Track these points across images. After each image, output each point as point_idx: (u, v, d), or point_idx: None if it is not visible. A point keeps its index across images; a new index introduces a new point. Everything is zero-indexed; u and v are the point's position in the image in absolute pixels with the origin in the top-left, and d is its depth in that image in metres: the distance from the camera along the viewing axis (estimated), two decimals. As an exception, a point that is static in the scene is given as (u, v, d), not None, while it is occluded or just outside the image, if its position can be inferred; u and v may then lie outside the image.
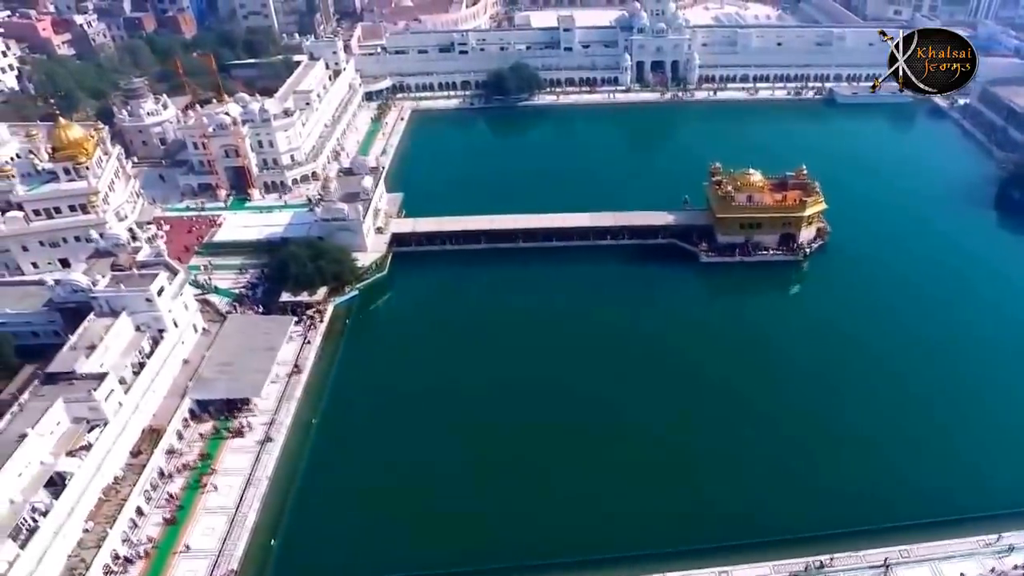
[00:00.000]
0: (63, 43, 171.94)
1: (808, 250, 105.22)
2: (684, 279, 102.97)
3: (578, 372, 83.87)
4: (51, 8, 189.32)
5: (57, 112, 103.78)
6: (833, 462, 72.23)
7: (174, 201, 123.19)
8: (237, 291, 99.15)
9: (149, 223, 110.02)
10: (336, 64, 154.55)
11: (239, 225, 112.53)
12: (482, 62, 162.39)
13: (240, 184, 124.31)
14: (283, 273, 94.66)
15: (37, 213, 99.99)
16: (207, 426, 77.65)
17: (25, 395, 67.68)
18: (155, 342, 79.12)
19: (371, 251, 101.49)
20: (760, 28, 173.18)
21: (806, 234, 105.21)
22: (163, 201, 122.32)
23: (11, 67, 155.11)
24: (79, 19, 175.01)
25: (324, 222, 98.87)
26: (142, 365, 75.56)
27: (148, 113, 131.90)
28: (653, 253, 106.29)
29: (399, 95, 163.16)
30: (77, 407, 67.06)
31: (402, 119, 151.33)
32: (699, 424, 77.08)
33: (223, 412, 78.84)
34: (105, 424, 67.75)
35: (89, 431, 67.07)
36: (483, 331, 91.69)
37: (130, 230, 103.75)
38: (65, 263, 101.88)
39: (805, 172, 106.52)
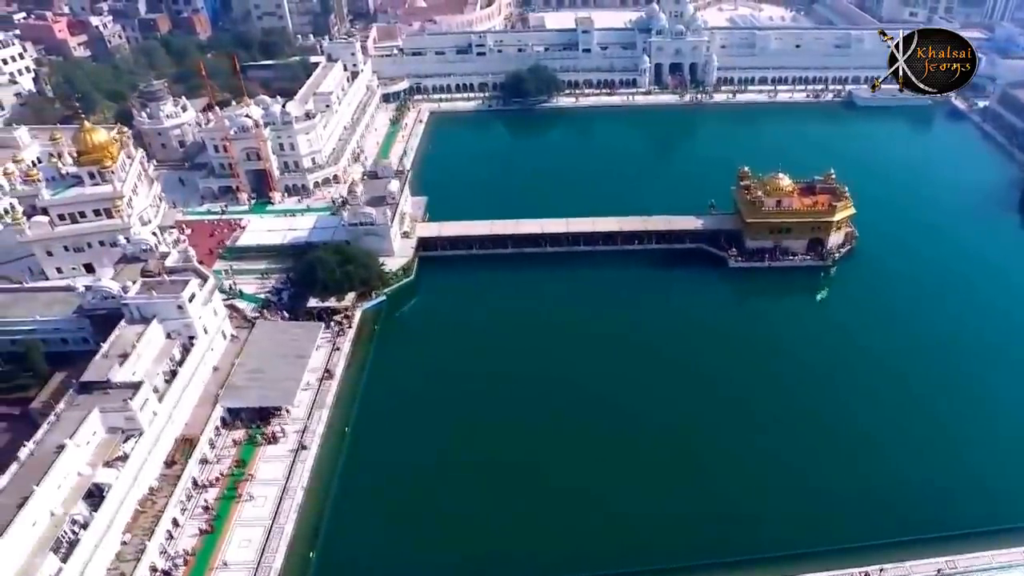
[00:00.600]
0: (79, 45, 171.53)
1: (836, 255, 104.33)
2: (712, 284, 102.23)
3: (607, 378, 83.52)
4: (66, 9, 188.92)
5: (81, 115, 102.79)
6: (870, 472, 71.62)
7: (194, 204, 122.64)
8: (262, 296, 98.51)
9: (171, 227, 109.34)
10: (354, 65, 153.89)
11: (262, 229, 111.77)
12: (500, 64, 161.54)
13: (261, 187, 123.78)
14: (310, 278, 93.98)
15: (62, 218, 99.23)
16: (239, 434, 77.03)
17: (60, 405, 66.96)
18: (185, 349, 78.51)
19: (398, 256, 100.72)
20: (778, 30, 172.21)
21: (834, 239, 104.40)
22: (183, 204, 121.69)
23: (28, 69, 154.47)
24: (95, 20, 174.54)
25: (351, 226, 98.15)
26: (174, 373, 74.94)
27: (167, 115, 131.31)
28: (681, 258, 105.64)
29: (416, 97, 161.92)
30: (113, 417, 66.48)
31: (420, 121, 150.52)
32: (731, 433, 76.46)
33: (255, 420, 78.22)
34: (140, 434, 67.12)
35: (124, 441, 66.45)
36: (511, 336, 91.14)
37: (153, 234, 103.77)
38: (89, 268, 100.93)
39: (833, 176, 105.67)
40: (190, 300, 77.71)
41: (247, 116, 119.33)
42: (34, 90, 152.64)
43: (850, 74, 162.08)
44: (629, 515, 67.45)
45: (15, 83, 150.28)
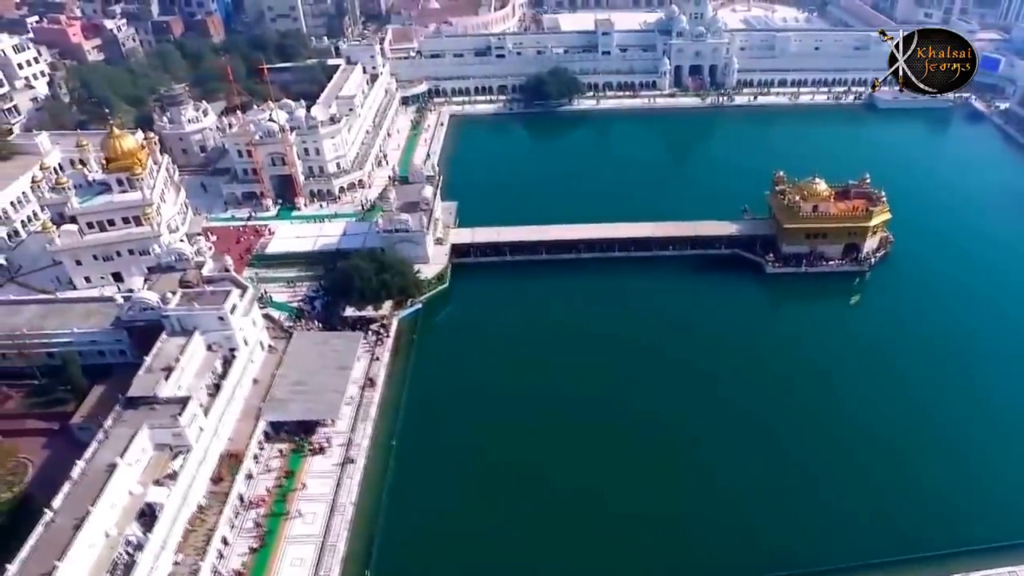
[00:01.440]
0: (93, 48, 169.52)
1: (872, 260, 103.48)
2: (750, 291, 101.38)
3: (651, 388, 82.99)
4: (78, 13, 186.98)
5: (109, 120, 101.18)
6: (922, 484, 70.90)
7: (217, 210, 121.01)
8: (294, 305, 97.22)
9: (198, 234, 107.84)
10: (373, 68, 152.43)
11: (290, 236, 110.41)
12: (519, 66, 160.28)
13: (285, 193, 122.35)
14: (346, 287, 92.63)
15: (91, 226, 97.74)
16: (282, 448, 75.74)
17: (108, 421, 65.65)
18: (226, 361, 77.24)
19: (433, 263, 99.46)
20: (798, 32, 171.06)
21: (870, 244, 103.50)
22: (206, 210, 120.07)
23: (43, 73, 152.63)
24: (109, 24, 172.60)
25: (386, 233, 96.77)
26: (217, 387, 73.71)
27: (189, 120, 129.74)
28: (716, 263, 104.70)
29: (436, 99, 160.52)
30: (161, 433, 65.23)
31: (442, 124, 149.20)
32: (774, 443, 75.83)
33: (297, 432, 76.99)
34: (188, 451, 65.82)
35: (173, 458, 65.18)
36: (549, 344, 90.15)
37: (182, 241, 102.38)
38: (118, 277, 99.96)
39: (868, 180, 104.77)
40: (231, 311, 76.45)
41: (272, 120, 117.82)
42: (48, 95, 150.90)
43: (869, 76, 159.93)
44: (691, 533, 67.01)
45: (31, 87, 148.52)
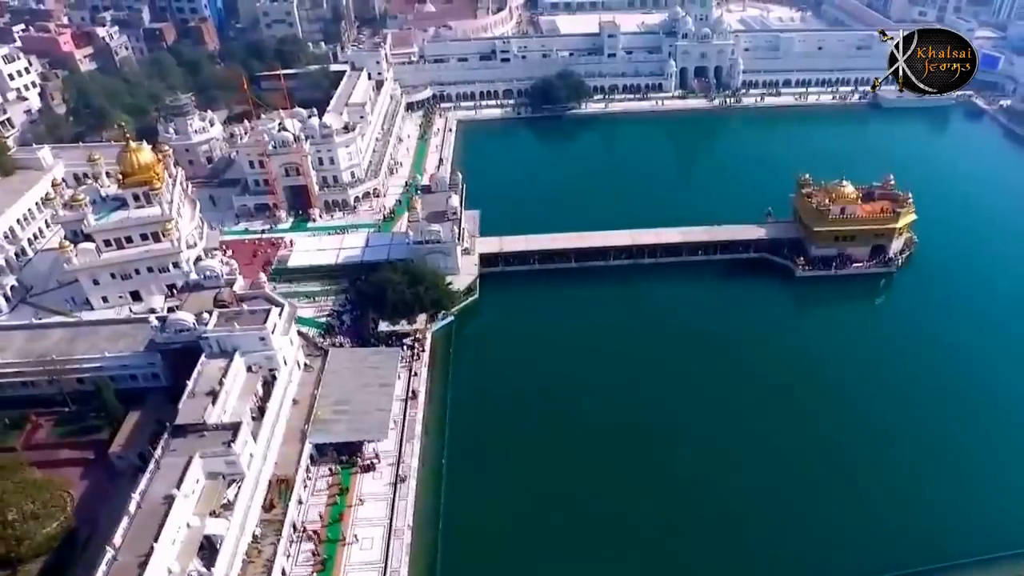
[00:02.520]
0: (85, 57, 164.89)
1: (899, 261, 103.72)
2: (782, 295, 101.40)
3: (689, 392, 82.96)
4: (66, 21, 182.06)
5: (127, 134, 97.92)
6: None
7: (228, 223, 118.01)
8: (322, 320, 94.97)
9: (215, 249, 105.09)
10: (379, 74, 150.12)
11: (310, 248, 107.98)
12: (525, 70, 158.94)
13: (299, 204, 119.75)
14: (379, 300, 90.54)
15: (108, 244, 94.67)
16: (331, 469, 73.74)
17: (158, 451, 63.15)
18: (266, 383, 74.90)
19: (463, 273, 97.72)
20: (802, 32, 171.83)
21: (895, 245, 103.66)
22: (217, 224, 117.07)
23: (34, 84, 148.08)
24: (101, 32, 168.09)
25: (416, 244, 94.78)
26: (261, 410, 71.31)
27: (196, 131, 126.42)
28: (744, 268, 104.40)
29: (443, 105, 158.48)
30: (213, 462, 62.77)
31: (450, 130, 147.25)
32: (822, 449, 75.87)
33: (343, 453, 74.96)
34: (242, 478, 63.55)
35: (227, 487, 62.90)
36: (585, 352, 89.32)
37: (200, 256, 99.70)
38: (136, 296, 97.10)
39: (892, 182, 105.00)
40: (272, 330, 74.19)
41: (285, 129, 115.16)
42: (41, 107, 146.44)
43: (872, 75, 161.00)
44: (752, 540, 66.57)
45: (23, 99, 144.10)
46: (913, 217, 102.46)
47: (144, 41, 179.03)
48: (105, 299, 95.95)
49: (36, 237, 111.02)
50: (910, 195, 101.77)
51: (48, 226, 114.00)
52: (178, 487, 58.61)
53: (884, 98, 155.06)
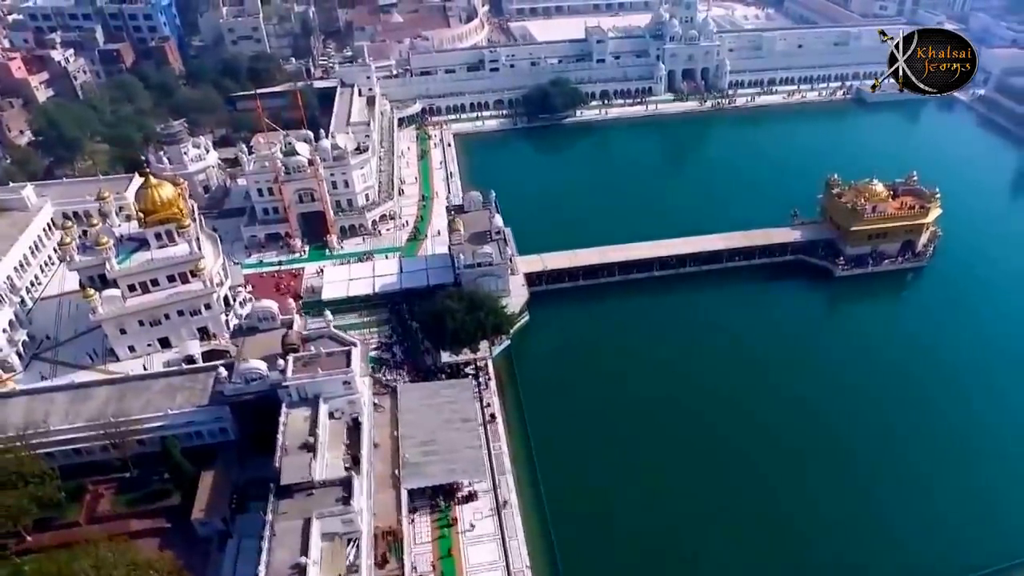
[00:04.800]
0: (41, 84, 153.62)
1: (928, 254, 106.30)
2: (826, 295, 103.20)
3: (754, 397, 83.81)
4: (7, 44, 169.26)
5: (147, 169, 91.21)
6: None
7: (239, 256, 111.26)
8: (373, 354, 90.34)
9: (240, 286, 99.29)
10: (370, 90, 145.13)
11: (341, 278, 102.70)
12: (514, 79, 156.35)
13: (312, 232, 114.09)
14: (437, 330, 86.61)
15: (132, 288, 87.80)
16: (425, 514, 70.09)
17: (268, 515, 58.29)
18: (349, 429, 70.49)
19: (513, 294, 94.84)
20: (783, 31, 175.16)
21: (923, 239, 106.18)
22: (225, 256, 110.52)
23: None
24: (56, 55, 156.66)
25: (467, 268, 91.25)
26: (355, 459, 66.90)
27: (192, 159, 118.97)
28: (783, 271, 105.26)
29: (434, 118, 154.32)
30: (330, 522, 58.42)
31: (448, 144, 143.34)
32: (890, 450, 77.42)
33: (438, 495, 71.34)
34: (359, 536, 59.36)
35: (347, 547, 58.64)
36: (646, 365, 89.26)
37: (226, 298, 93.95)
38: (165, 343, 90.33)
39: (916, 178, 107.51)
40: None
41: (293, 152, 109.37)
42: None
43: (850, 71, 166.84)
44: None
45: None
46: (939, 211, 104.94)
47: (101, 64, 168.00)
48: (132, 348, 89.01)
49: (33, 285, 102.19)
50: (937, 190, 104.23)
51: (43, 271, 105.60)
52: (305, 554, 54.28)
53: (867, 93, 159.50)
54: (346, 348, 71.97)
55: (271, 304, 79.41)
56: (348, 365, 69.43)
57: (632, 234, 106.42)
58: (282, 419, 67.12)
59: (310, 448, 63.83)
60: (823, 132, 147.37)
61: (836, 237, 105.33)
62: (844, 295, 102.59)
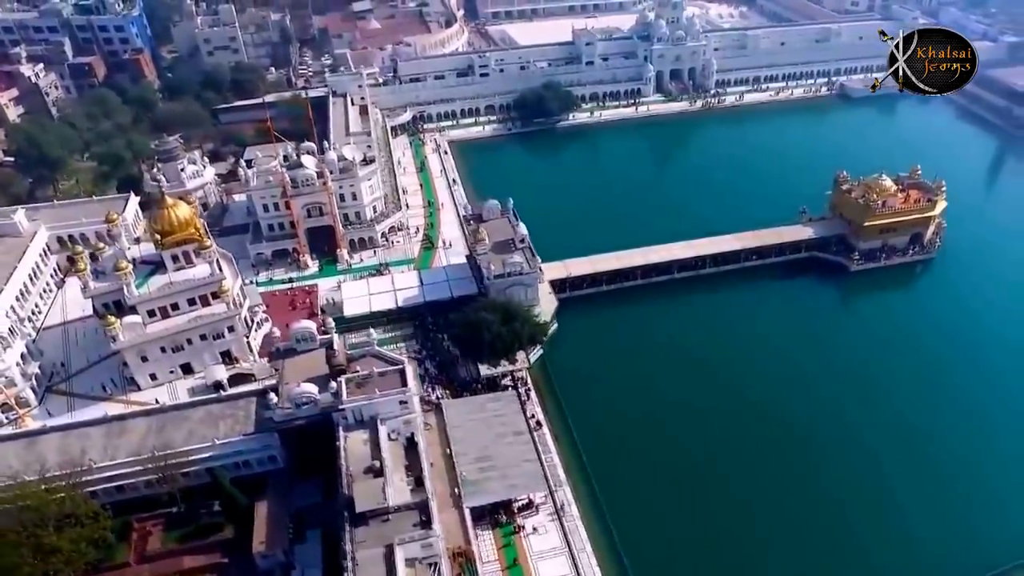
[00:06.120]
0: (11, 101, 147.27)
1: (935, 246, 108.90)
2: (844, 290, 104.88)
3: (789, 394, 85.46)
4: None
5: (164, 194, 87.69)
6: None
7: (248, 274, 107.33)
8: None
9: (258, 305, 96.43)
10: (362, 99, 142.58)
11: (360, 293, 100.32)
12: (504, 84, 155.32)
13: (319, 246, 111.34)
14: (473, 343, 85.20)
15: (151, 314, 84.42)
16: (486, 529, 69.01)
17: (347, 545, 56.38)
18: (405, 449, 68.80)
19: (542, 302, 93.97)
20: (765, 29, 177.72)
21: (929, 232, 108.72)
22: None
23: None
24: (25, 70, 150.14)
25: (498, 279, 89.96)
26: (418, 480, 65.26)
27: (189, 176, 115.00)
28: (797, 268, 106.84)
29: (427, 125, 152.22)
30: (411, 548, 56.83)
31: (446, 152, 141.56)
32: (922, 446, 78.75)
33: (498, 510, 70.15)
34: (439, 560, 57.89)
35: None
36: (680, 365, 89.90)
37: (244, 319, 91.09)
38: (187, 369, 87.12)
39: (919, 172, 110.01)
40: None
41: (299, 166, 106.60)
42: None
43: (831, 67, 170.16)
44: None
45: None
46: (945, 204, 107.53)
47: (71, 78, 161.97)
48: (154, 376, 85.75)
49: (34, 314, 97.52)
50: (943, 183, 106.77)
51: (43, 299, 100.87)
52: (395, 586, 52.67)
53: (850, 88, 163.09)
54: (397, 366, 70.20)
55: (310, 324, 77.12)
56: (404, 384, 67.78)
57: (643, 237, 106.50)
58: (341, 444, 65.20)
59: (376, 472, 62.06)
60: (814, 128, 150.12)
61: (847, 232, 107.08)
62: (862, 289, 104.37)
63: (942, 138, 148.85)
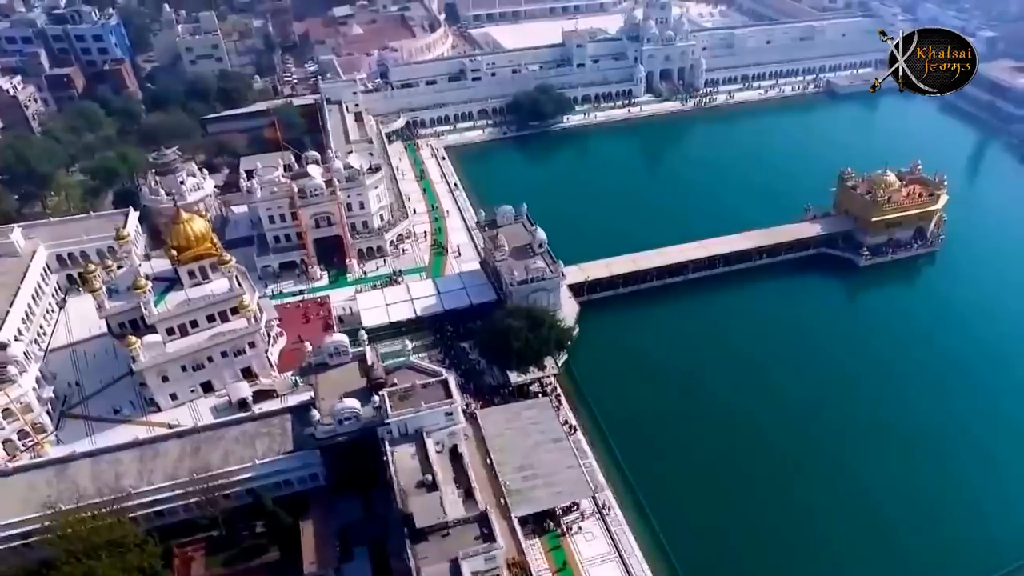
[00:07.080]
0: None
1: (939, 239, 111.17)
2: (856, 285, 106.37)
3: (810, 391, 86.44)
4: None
5: (179, 209, 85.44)
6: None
7: (255, 287, 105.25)
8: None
9: (273, 320, 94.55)
10: (356, 106, 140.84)
11: (376, 304, 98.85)
12: (497, 88, 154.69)
13: (327, 257, 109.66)
14: (501, 350, 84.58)
15: (170, 332, 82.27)
16: (532, 537, 68.60)
17: (411, 562, 55.49)
18: (451, 461, 67.99)
19: (564, 307, 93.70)
20: (751, 28, 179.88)
21: (932, 225, 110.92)
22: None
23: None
24: (3, 83, 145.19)
25: (521, 284, 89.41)
26: (468, 492, 64.54)
27: (190, 189, 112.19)
28: (807, 265, 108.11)
29: (421, 131, 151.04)
30: (474, 561, 56.17)
31: (443, 158, 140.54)
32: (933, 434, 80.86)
33: (544, 518, 69.83)
34: (500, 572, 57.32)
35: (494, 586, 56.52)
36: (703, 365, 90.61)
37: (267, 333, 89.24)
38: (208, 387, 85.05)
39: (920, 167, 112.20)
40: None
41: (304, 175, 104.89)
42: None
43: (816, 64, 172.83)
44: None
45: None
46: (947, 198, 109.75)
47: (49, 90, 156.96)
48: (174, 396, 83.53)
49: (40, 336, 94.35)
50: (944, 177, 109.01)
51: (47, 320, 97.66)
52: (466, 602, 51.95)
53: (837, 85, 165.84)
54: (439, 378, 69.43)
55: (343, 338, 75.74)
56: (449, 395, 67.02)
57: (651, 238, 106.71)
58: (389, 459, 64.11)
59: (430, 487, 61.20)
60: (805, 125, 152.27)
61: (854, 228, 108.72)
62: (872, 283, 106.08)
63: (930, 133, 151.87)
